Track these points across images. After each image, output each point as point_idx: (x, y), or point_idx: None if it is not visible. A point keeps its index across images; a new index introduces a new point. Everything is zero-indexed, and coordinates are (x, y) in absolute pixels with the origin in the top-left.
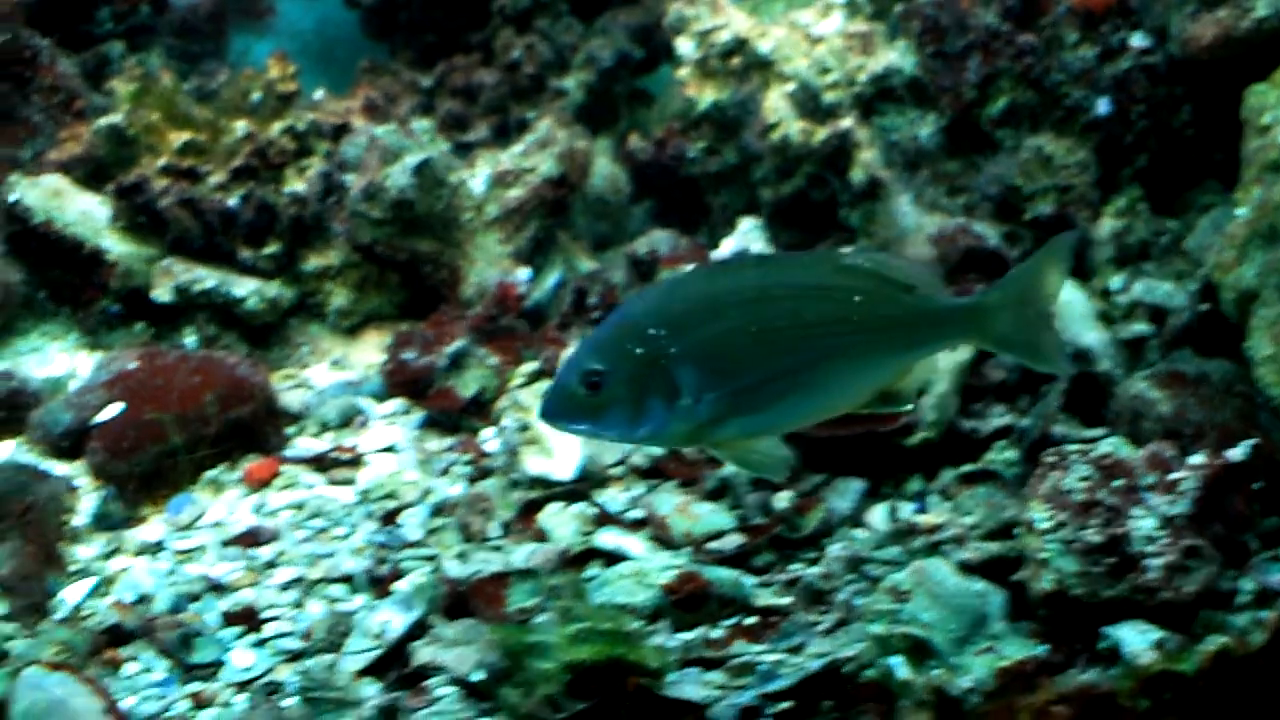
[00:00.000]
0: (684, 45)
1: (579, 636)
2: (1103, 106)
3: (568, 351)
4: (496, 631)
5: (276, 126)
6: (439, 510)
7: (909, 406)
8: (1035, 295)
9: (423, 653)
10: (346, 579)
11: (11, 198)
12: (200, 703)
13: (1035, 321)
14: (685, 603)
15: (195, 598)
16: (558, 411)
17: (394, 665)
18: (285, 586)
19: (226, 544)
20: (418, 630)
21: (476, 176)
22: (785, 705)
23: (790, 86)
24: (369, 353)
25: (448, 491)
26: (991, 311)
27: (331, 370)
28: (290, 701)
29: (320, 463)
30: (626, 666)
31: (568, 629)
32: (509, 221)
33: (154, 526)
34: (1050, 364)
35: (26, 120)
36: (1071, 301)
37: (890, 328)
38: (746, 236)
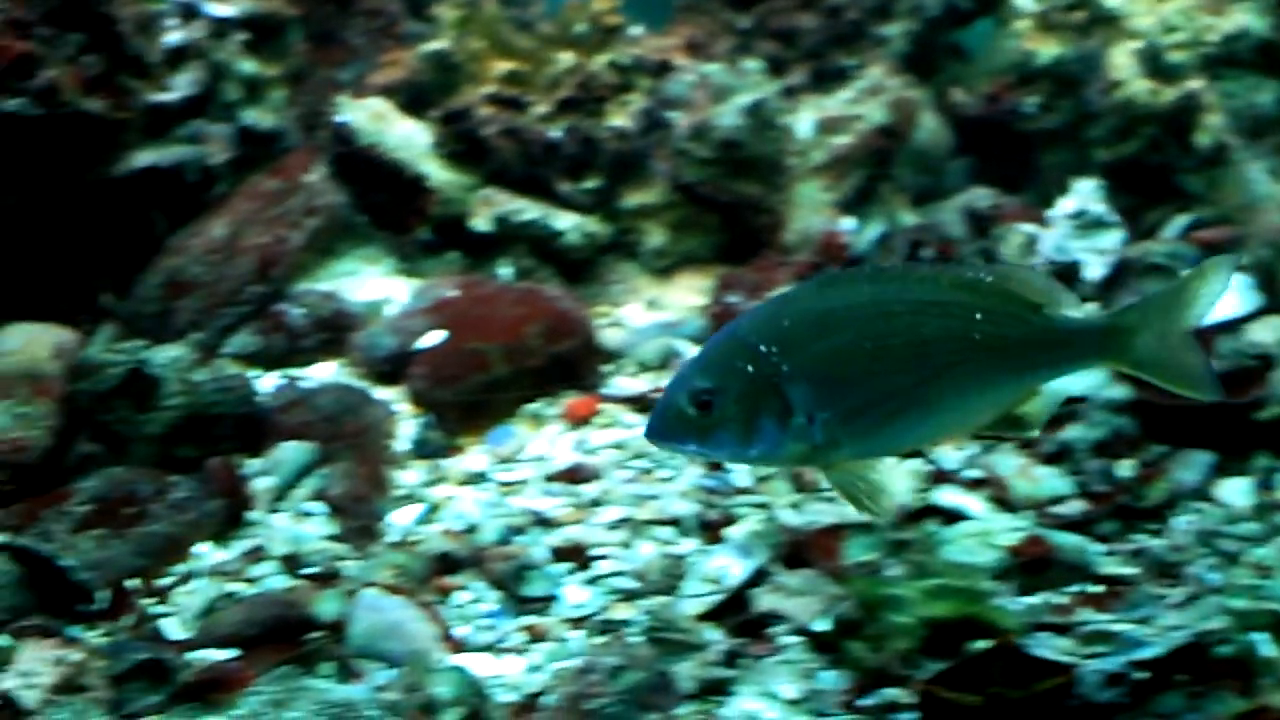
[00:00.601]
0: None
1: (934, 592)
2: None
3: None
4: (855, 582)
5: (600, 59)
6: None
7: (1034, 433)
8: (1178, 316)
9: (764, 600)
10: (674, 521)
11: (339, 118)
12: (534, 636)
13: (1179, 343)
14: (1030, 566)
15: (521, 530)
16: (665, 431)
17: (733, 611)
18: (613, 526)
19: (550, 479)
20: (756, 578)
21: (802, 121)
22: (1142, 675)
23: (1137, 44)
24: (683, 294)
25: None
26: (1129, 332)
27: (646, 310)
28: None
29: (640, 403)
30: (981, 626)
31: (922, 584)
32: (833, 169)
33: (475, 456)
34: (1199, 389)
35: (347, 42)
36: None
37: (1015, 348)
38: (1086, 198)
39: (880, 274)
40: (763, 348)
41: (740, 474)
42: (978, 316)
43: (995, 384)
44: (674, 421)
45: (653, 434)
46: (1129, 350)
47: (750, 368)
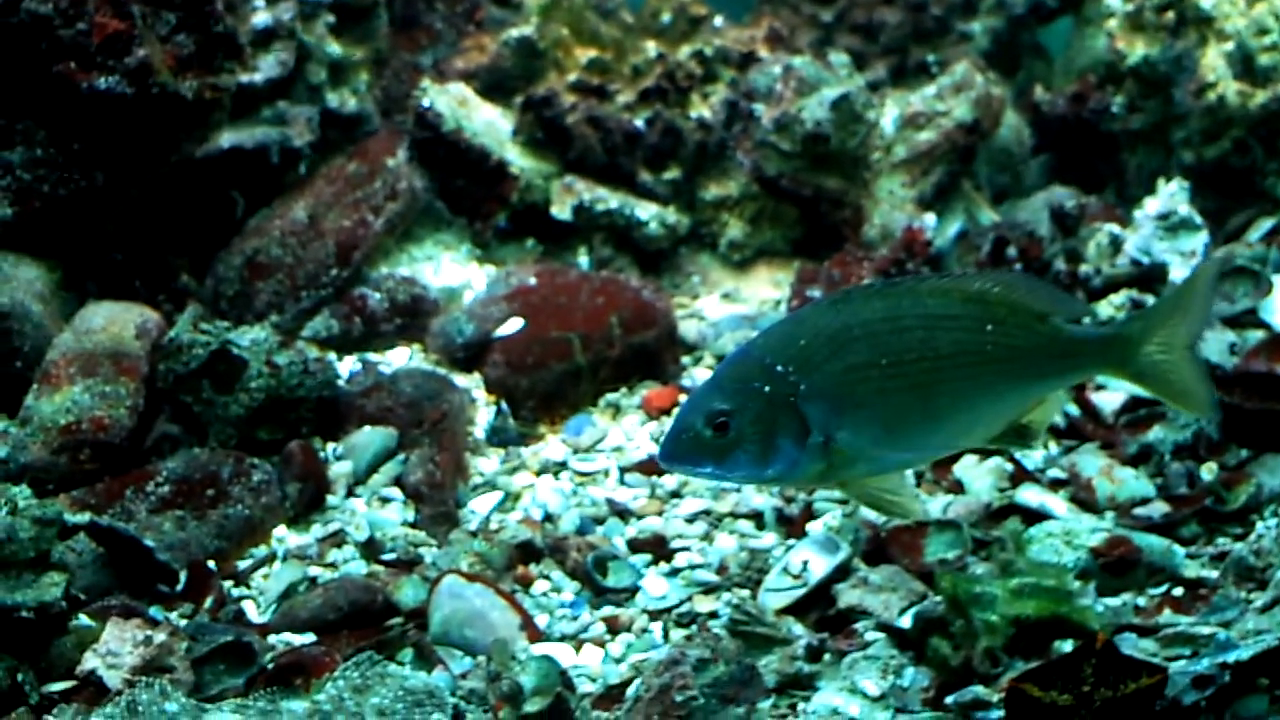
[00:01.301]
0: None
1: (1022, 591)
2: None
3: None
4: (943, 579)
5: (685, 49)
6: None
7: (1038, 444)
8: (1179, 327)
9: (848, 595)
10: (755, 515)
11: (422, 103)
12: (614, 628)
13: (1180, 358)
14: (1114, 567)
15: (600, 521)
16: (681, 454)
17: (816, 606)
18: (692, 518)
19: (628, 470)
20: (839, 573)
21: (885, 116)
22: (1226, 678)
23: (1228, 46)
24: (761, 287)
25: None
26: (1132, 343)
27: (723, 302)
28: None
29: None
30: (1069, 626)
31: (1010, 582)
32: (916, 165)
33: (553, 445)
34: (1195, 406)
35: (430, 27)
36: None
37: (1024, 358)
38: (1172, 199)
39: (892, 289)
40: (779, 367)
41: None
42: (988, 328)
43: (1006, 394)
44: (689, 444)
45: (666, 457)
46: (1131, 361)
47: (767, 388)
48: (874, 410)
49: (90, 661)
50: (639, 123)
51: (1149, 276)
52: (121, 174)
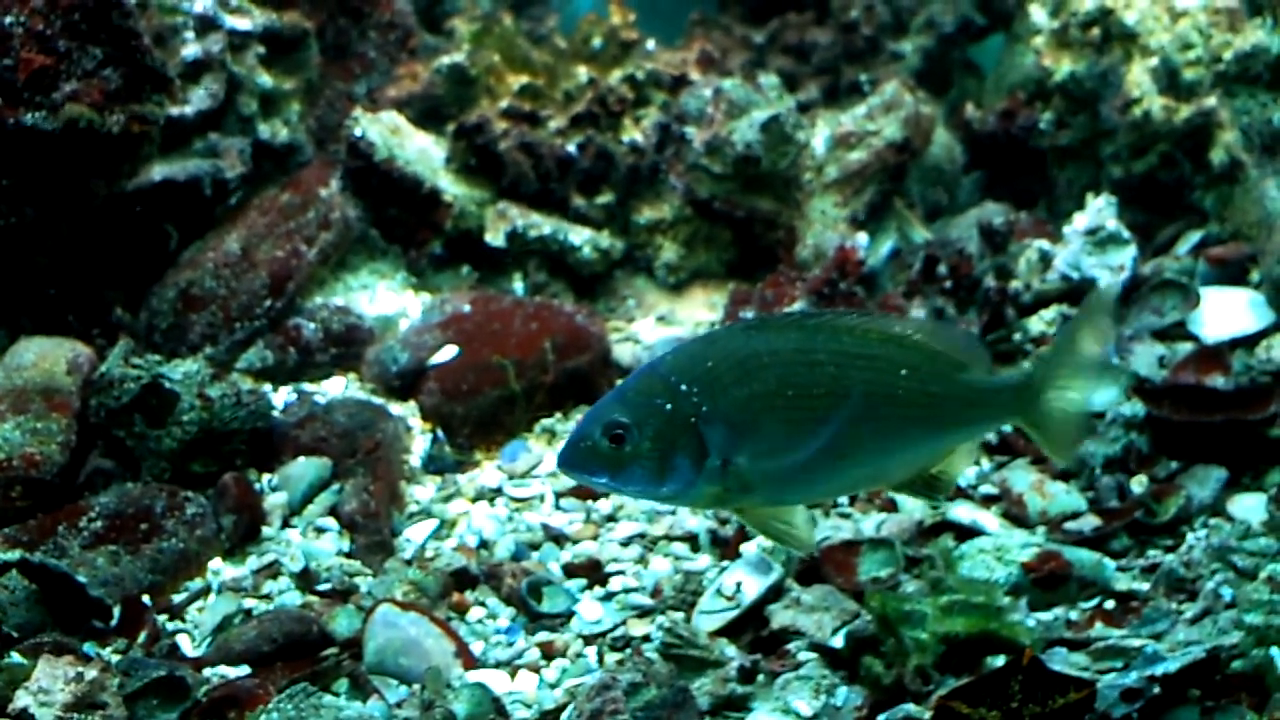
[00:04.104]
0: (1038, 14)
1: (951, 608)
2: None
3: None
4: (872, 598)
5: (616, 74)
6: None
7: (946, 497)
8: (1082, 366)
9: (781, 616)
10: (689, 538)
11: (355, 132)
12: (549, 653)
13: (1070, 411)
14: (1045, 581)
15: (535, 546)
16: (577, 462)
17: (750, 627)
18: (627, 542)
19: (563, 495)
20: (772, 594)
21: (816, 136)
22: (1156, 690)
23: (1153, 61)
24: (696, 309)
25: None
26: (1036, 389)
27: (658, 325)
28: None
29: None
30: (999, 642)
31: (940, 600)
32: (848, 184)
33: (489, 472)
34: (1059, 453)
35: (362, 55)
36: None
37: (937, 405)
38: (1100, 214)
39: (808, 321)
40: (683, 386)
41: None
42: (903, 372)
43: (915, 440)
44: (586, 453)
45: (564, 463)
46: (1033, 408)
47: (669, 405)
48: (775, 441)
49: (22, 699)
50: (571, 148)
51: (1078, 291)
52: (51, 208)
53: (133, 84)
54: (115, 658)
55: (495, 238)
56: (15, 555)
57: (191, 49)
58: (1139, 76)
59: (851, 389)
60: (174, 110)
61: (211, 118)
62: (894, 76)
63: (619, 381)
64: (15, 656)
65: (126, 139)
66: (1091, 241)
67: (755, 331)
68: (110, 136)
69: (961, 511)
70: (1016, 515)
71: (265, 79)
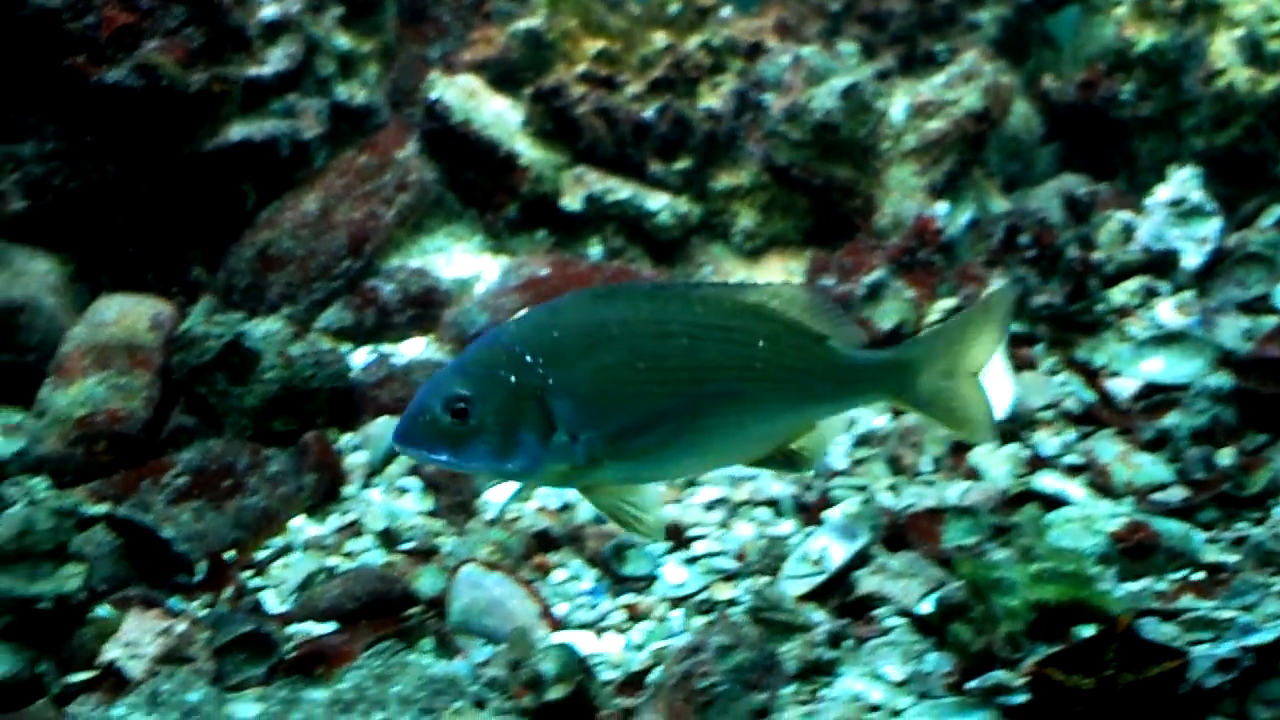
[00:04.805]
0: None
1: (1042, 576)
2: None
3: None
4: (963, 565)
5: (693, 40)
6: (863, 441)
7: (809, 472)
8: (964, 353)
9: (867, 582)
10: (772, 503)
11: (431, 95)
12: (634, 615)
13: (961, 384)
14: (1133, 552)
15: None
16: (416, 438)
17: (836, 593)
18: (709, 506)
19: None
20: (858, 560)
21: (895, 105)
22: (1250, 661)
23: (1238, 32)
24: (773, 276)
25: (872, 423)
26: (912, 369)
27: None
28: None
29: None
30: (1089, 610)
31: (1030, 567)
32: (926, 154)
33: None
34: (976, 433)
35: (438, 19)
36: None
37: (797, 379)
38: (1184, 186)
39: (661, 291)
40: (528, 358)
41: (836, 457)
42: (760, 344)
43: (773, 415)
44: (425, 428)
45: (400, 439)
46: (911, 388)
47: (513, 377)
48: (626, 415)
49: (111, 652)
50: (648, 113)
51: (1161, 263)
52: (132, 167)
53: (214, 43)
54: (201, 613)
55: (572, 202)
56: (102, 509)
57: (270, 9)
58: (1223, 48)
59: (706, 360)
60: (252, 71)
61: (289, 79)
62: (971, 46)
63: None
64: (103, 610)
65: (207, 98)
66: (1175, 213)
67: (604, 301)
68: (191, 95)
69: (1047, 481)
70: (1102, 485)
71: (343, 40)
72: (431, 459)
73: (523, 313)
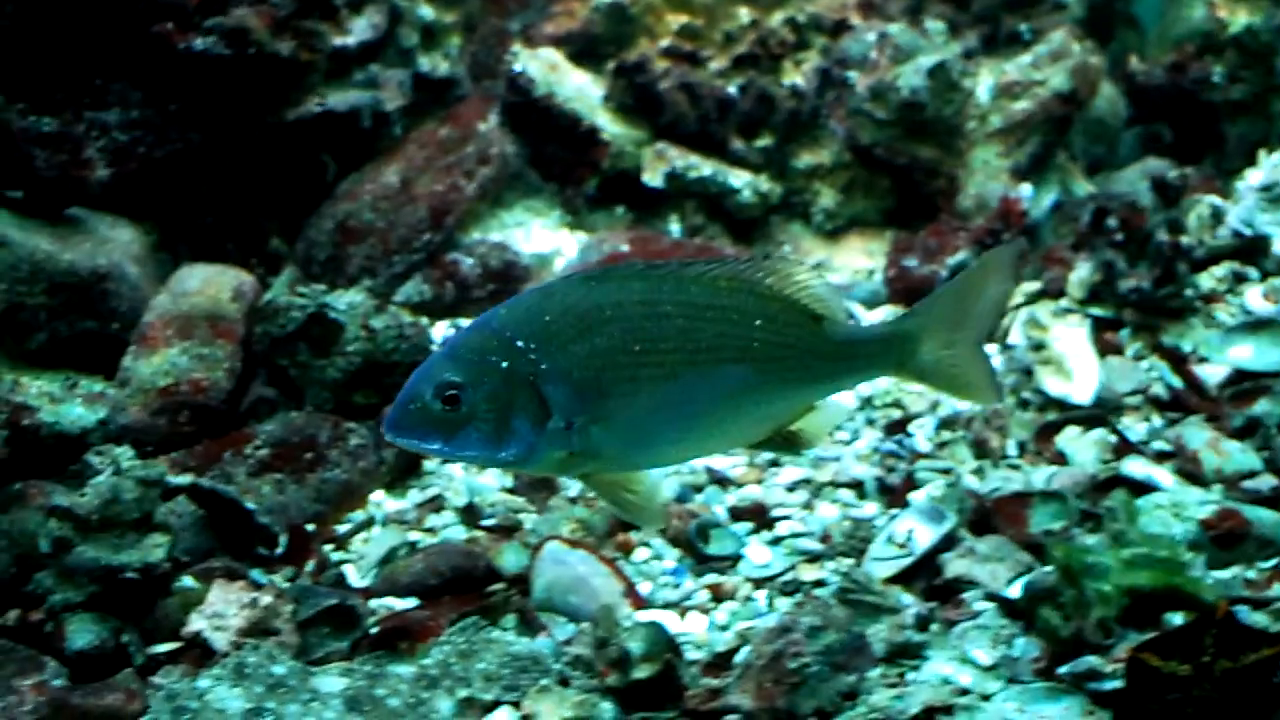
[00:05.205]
0: None
1: (1135, 561)
2: None
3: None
4: (1056, 548)
5: (777, 16)
6: (947, 423)
7: (809, 453)
8: (964, 321)
9: (955, 565)
10: (856, 485)
11: (515, 68)
12: (718, 595)
13: (962, 350)
14: (1223, 539)
15: (699, 488)
16: (407, 426)
17: (923, 575)
18: (792, 487)
19: None
20: (945, 543)
21: (979, 85)
22: None
23: None
24: (853, 256)
25: (955, 405)
26: (911, 341)
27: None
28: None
29: None
30: (1182, 597)
31: (1123, 553)
32: (1011, 134)
33: None
34: (980, 397)
35: None
36: None
37: (794, 358)
38: (1276, 170)
39: (654, 272)
40: (520, 342)
41: (919, 439)
42: (757, 323)
43: (771, 396)
44: (416, 416)
45: (392, 428)
46: (911, 360)
47: (505, 363)
48: (622, 399)
49: (196, 623)
50: (732, 89)
51: (1251, 248)
52: (218, 135)
53: (301, 11)
54: (284, 585)
55: (653, 178)
56: (186, 480)
57: None
58: None
59: (702, 342)
60: (337, 40)
61: (372, 48)
62: (1056, 26)
63: None
64: (187, 580)
65: (295, 66)
66: (1266, 198)
67: (597, 283)
68: (279, 62)
69: (1135, 466)
70: (1191, 472)
71: (426, 11)
72: (424, 448)
73: (515, 296)
